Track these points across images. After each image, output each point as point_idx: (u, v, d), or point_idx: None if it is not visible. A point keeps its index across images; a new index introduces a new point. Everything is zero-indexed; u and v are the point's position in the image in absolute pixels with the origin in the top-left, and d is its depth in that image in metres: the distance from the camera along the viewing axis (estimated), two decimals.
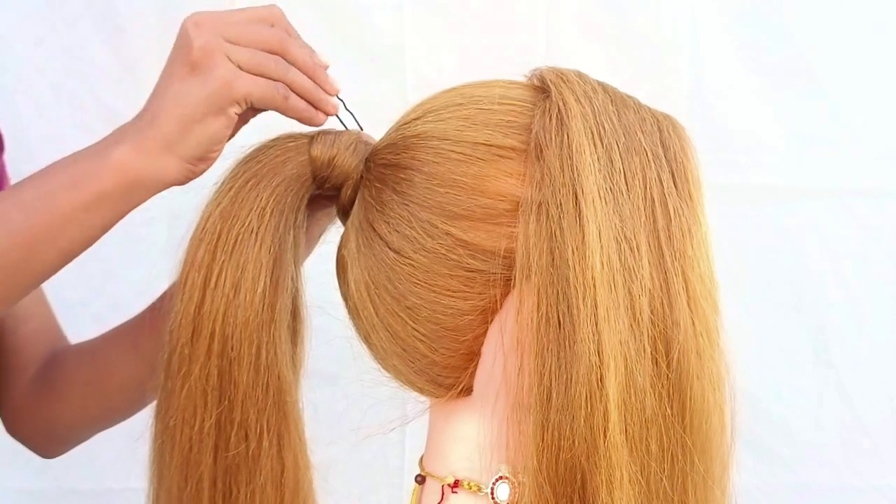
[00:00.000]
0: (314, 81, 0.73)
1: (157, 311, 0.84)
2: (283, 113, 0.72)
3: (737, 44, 1.27)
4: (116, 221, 0.71)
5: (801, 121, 1.27)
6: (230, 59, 0.68)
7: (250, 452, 0.66)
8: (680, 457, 0.58)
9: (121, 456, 1.21)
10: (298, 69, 0.72)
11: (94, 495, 1.27)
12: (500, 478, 0.61)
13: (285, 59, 0.71)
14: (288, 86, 0.71)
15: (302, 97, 0.72)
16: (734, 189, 1.27)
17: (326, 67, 0.74)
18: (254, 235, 0.65)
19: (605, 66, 1.25)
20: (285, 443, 0.66)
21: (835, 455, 1.30)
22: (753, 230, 1.28)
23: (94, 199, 0.68)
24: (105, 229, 0.71)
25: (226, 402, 0.65)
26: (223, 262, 0.65)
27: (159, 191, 0.70)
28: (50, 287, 0.94)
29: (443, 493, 0.63)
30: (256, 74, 0.69)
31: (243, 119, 0.73)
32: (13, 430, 0.94)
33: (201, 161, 0.69)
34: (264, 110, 0.72)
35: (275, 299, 0.65)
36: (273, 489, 0.67)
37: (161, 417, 0.68)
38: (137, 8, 1.23)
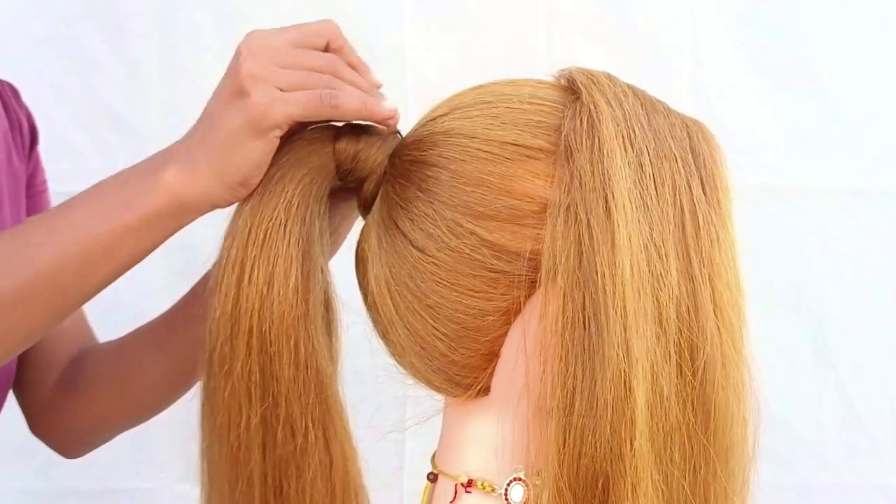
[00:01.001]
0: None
1: (182, 311, 0.84)
2: (338, 118, 0.70)
3: (737, 44, 1.27)
4: (164, 241, 0.71)
5: (801, 121, 1.27)
6: (275, 85, 0.67)
7: (297, 448, 0.65)
8: (703, 466, 0.57)
9: (121, 456, 1.21)
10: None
11: (94, 495, 1.28)
12: (515, 479, 0.60)
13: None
14: (339, 77, 0.69)
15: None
16: (734, 189, 1.26)
17: (379, 86, 0.72)
18: (282, 228, 0.65)
19: (605, 66, 1.24)
20: (331, 435, 0.66)
21: (835, 455, 1.30)
22: (753, 230, 1.28)
23: (146, 220, 0.68)
24: (153, 248, 0.71)
25: (269, 398, 0.65)
26: (255, 257, 0.65)
27: (207, 212, 0.70)
28: None
29: (456, 492, 0.62)
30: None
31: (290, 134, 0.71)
32: (37, 429, 0.94)
33: (242, 186, 0.68)
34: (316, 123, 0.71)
35: (307, 292, 0.65)
36: (323, 482, 0.66)
37: (207, 418, 0.67)
38: (138, 8, 1.23)
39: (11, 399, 0.93)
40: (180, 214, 0.69)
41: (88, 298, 0.73)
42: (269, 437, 0.66)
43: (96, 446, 0.95)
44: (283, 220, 0.65)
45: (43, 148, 0.97)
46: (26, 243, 0.70)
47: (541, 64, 1.22)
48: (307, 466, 0.66)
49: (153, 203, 0.68)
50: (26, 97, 0.94)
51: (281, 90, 0.67)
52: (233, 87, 0.67)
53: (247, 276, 0.65)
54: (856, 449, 1.30)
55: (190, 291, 0.84)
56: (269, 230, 0.65)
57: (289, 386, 0.65)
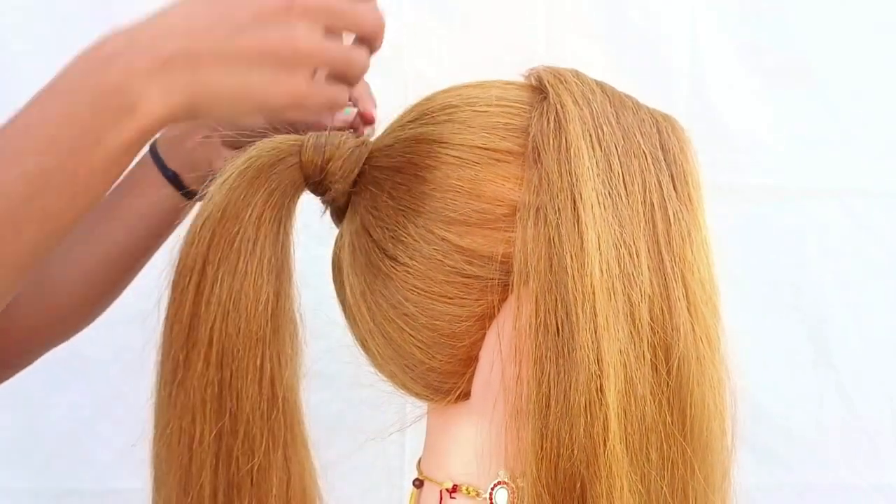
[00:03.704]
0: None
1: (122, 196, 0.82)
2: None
3: (737, 44, 1.27)
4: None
5: (801, 121, 1.27)
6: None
7: (256, 466, 0.63)
8: (680, 465, 0.57)
9: (121, 456, 1.21)
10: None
11: (94, 495, 1.27)
12: (499, 483, 0.60)
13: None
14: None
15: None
16: (734, 189, 1.27)
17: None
18: (251, 245, 0.61)
19: (605, 66, 1.25)
20: (291, 454, 0.64)
21: (835, 455, 1.30)
22: (753, 230, 1.28)
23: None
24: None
25: (227, 414, 0.63)
26: (218, 265, 0.61)
27: None
28: None
29: (441, 498, 0.62)
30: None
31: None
32: None
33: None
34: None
35: (278, 312, 0.62)
36: (279, 501, 0.64)
37: (158, 425, 0.65)
38: (137, 8, 1.23)
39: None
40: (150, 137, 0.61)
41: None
42: (225, 454, 0.63)
43: (17, 370, 0.87)
44: (252, 238, 0.61)
45: None
46: None
47: (541, 64, 1.22)
48: (263, 485, 0.64)
49: (126, 138, 0.59)
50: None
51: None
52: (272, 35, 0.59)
53: (208, 285, 0.61)
54: (856, 449, 1.30)
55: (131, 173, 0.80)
56: (236, 244, 0.61)
57: (252, 404, 0.62)
